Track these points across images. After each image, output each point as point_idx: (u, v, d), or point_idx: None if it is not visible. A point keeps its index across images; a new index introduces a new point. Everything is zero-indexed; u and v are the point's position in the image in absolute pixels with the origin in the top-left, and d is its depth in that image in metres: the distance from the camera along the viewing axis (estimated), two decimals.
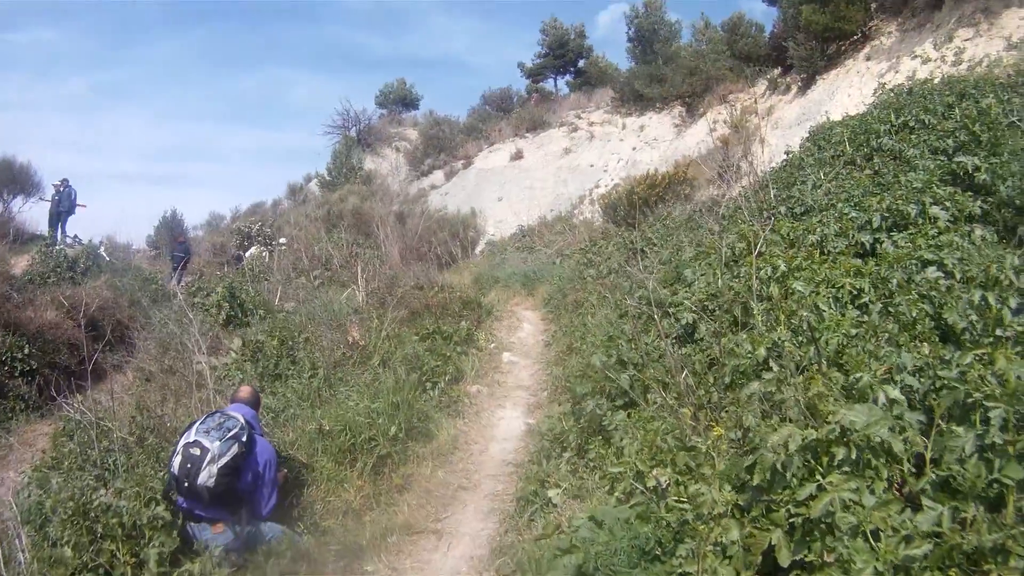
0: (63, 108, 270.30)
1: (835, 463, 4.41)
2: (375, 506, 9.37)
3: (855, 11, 29.45)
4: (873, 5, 29.92)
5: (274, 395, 11.83)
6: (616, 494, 6.41)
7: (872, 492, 4.25)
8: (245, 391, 9.10)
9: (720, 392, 7.54)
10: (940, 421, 4.64)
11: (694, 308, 9.80)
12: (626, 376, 9.17)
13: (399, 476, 10.10)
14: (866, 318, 7.44)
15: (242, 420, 8.04)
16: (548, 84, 70.74)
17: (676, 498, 5.21)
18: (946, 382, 4.98)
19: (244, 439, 7.85)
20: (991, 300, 6.49)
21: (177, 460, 7.62)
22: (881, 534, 4.05)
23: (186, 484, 7.52)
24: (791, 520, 4.40)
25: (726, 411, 7.09)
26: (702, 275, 11.15)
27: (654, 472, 5.68)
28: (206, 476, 7.48)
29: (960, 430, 4.52)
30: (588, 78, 64.07)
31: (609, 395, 9.33)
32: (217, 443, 7.61)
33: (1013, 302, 6.42)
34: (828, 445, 4.43)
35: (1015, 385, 4.50)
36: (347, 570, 8.04)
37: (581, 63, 67.97)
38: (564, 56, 67.67)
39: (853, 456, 4.38)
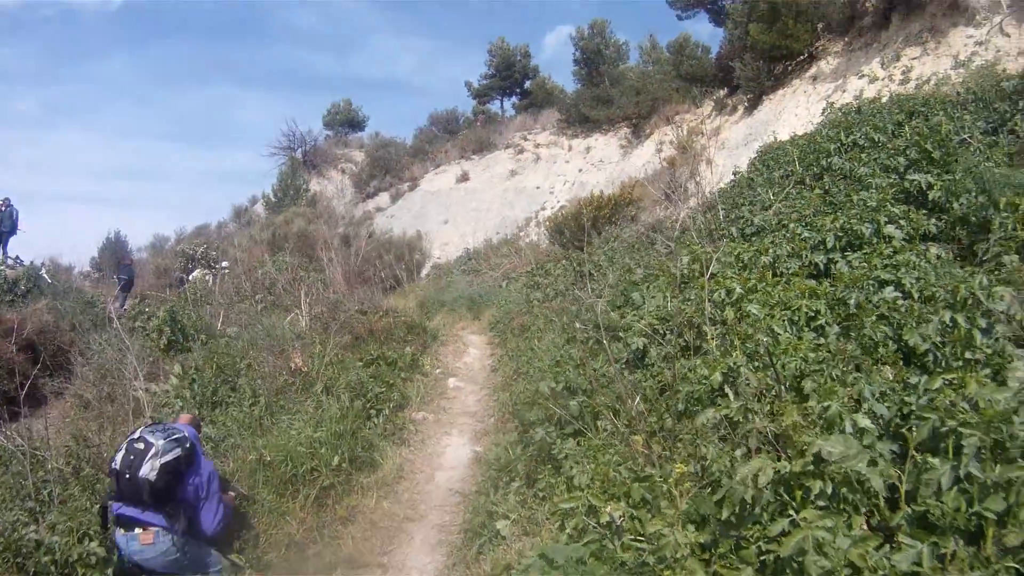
0: (11, 125, 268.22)
1: (811, 497, 4.19)
2: (318, 539, 9.07)
3: (802, 30, 29.64)
4: (820, 25, 30.08)
5: (213, 424, 11.43)
6: (568, 530, 6.14)
7: (849, 528, 4.03)
8: (185, 418, 8.80)
9: (674, 419, 7.29)
10: (915, 452, 4.39)
11: (644, 332, 9.55)
12: (575, 403, 8.92)
13: (343, 508, 9.77)
14: (823, 340, 7.27)
15: (186, 432, 7.84)
16: (495, 106, 71.15)
17: (633, 536, 4.94)
18: (915, 409, 4.79)
19: (188, 446, 7.66)
20: (960, 321, 6.28)
21: (120, 455, 7.40)
22: (860, 573, 3.83)
23: (127, 476, 7.27)
24: (762, 558, 4.16)
25: (680, 439, 6.86)
26: (652, 298, 10.93)
27: (608, 508, 5.41)
28: (148, 469, 7.26)
29: (936, 461, 4.29)
30: (534, 100, 64.40)
31: (558, 422, 9.08)
32: (162, 441, 7.44)
33: (983, 323, 6.22)
34: (803, 478, 4.19)
35: (991, 412, 4.26)
36: None
37: (528, 84, 68.32)
38: (511, 77, 67.92)
39: (829, 491, 4.16)
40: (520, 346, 15.71)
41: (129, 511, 7.32)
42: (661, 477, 5.46)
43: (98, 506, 7.53)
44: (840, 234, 10.31)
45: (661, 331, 9.54)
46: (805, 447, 4.23)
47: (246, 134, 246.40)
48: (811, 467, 4.15)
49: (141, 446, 7.38)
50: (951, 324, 6.38)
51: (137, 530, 7.31)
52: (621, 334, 10.11)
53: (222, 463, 9.81)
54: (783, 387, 5.90)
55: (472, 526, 8.63)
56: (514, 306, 20.78)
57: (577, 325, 12.25)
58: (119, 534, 7.36)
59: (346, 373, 13.66)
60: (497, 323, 20.63)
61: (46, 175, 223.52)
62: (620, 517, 5.26)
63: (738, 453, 5.27)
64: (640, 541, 4.82)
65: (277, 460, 9.96)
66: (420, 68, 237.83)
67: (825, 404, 4.91)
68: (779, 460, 4.24)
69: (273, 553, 8.59)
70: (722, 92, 36.92)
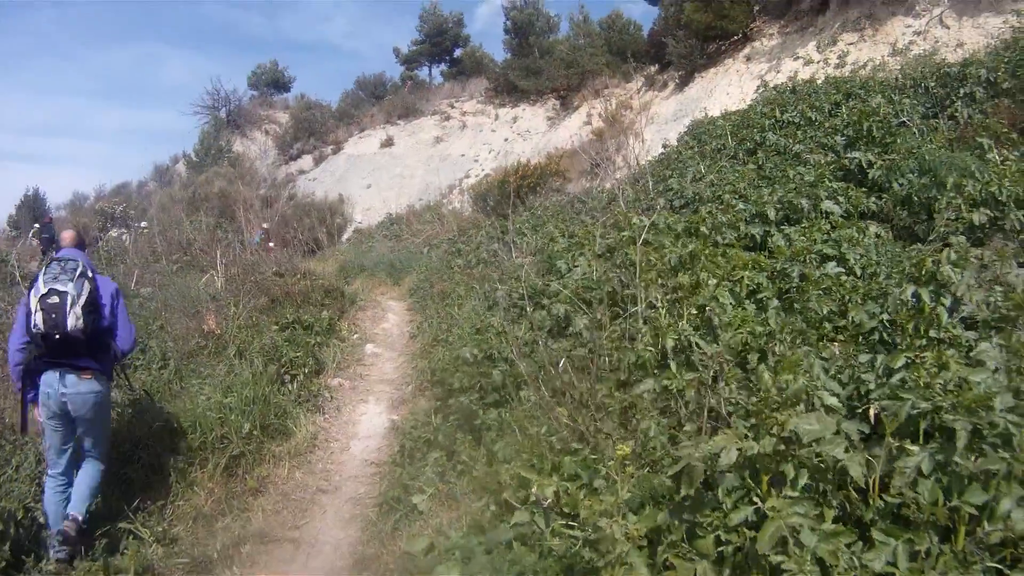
0: None
1: (786, 483, 3.81)
2: (227, 511, 8.62)
3: (739, 11, 29.93)
4: (756, 7, 30.23)
5: (119, 387, 11.01)
6: (492, 507, 5.81)
7: (820, 520, 3.67)
8: (68, 235, 8.36)
9: (605, 390, 6.95)
10: (892, 438, 4.03)
11: (569, 299, 9.24)
12: (498, 372, 8.71)
13: (253, 478, 9.37)
14: (764, 314, 7.06)
15: (80, 260, 7.69)
16: (423, 73, 71.00)
17: (564, 520, 4.57)
18: (878, 389, 4.50)
19: (90, 275, 7.64)
20: (925, 297, 5.98)
21: (39, 316, 7.25)
22: (833, 572, 3.50)
23: (56, 336, 7.28)
24: (720, 549, 3.80)
25: (610, 411, 6.53)
26: (576, 266, 10.64)
27: (534, 489, 5.04)
28: (73, 319, 7.28)
29: (915, 448, 3.96)
30: (463, 68, 64.35)
31: (480, 391, 8.87)
32: (70, 284, 7.37)
33: (947, 301, 5.93)
34: (773, 461, 3.81)
35: (971, 397, 3.93)
36: None
37: (457, 52, 68.23)
38: (441, 44, 67.81)
39: (803, 478, 3.81)
40: (440, 313, 15.47)
41: (65, 362, 7.38)
42: (594, 454, 5.13)
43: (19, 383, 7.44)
44: (777, 207, 10.17)
45: (587, 299, 9.22)
46: (779, 424, 3.82)
47: (171, 93, 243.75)
48: (782, 448, 3.75)
49: (56, 299, 7.28)
50: (915, 300, 6.08)
51: (72, 374, 7.40)
52: (545, 301, 9.80)
53: (127, 430, 9.36)
54: (729, 360, 5.58)
55: (387, 499, 8.32)
56: (435, 272, 20.66)
57: (499, 291, 11.98)
58: (49, 376, 7.33)
59: (260, 336, 13.29)
60: (417, 289, 20.54)
61: None
62: (547, 498, 4.90)
63: (687, 428, 4.94)
64: (572, 527, 4.45)
65: (185, 426, 9.56)
66: (350, 32, 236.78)
67: (786, 378, 4.53)
68: (746, 439, 3.84)
69: (180, 526, 8.15)
70: (653, 68, 37.07)
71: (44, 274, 7.47)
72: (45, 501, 7.32)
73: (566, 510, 4.63)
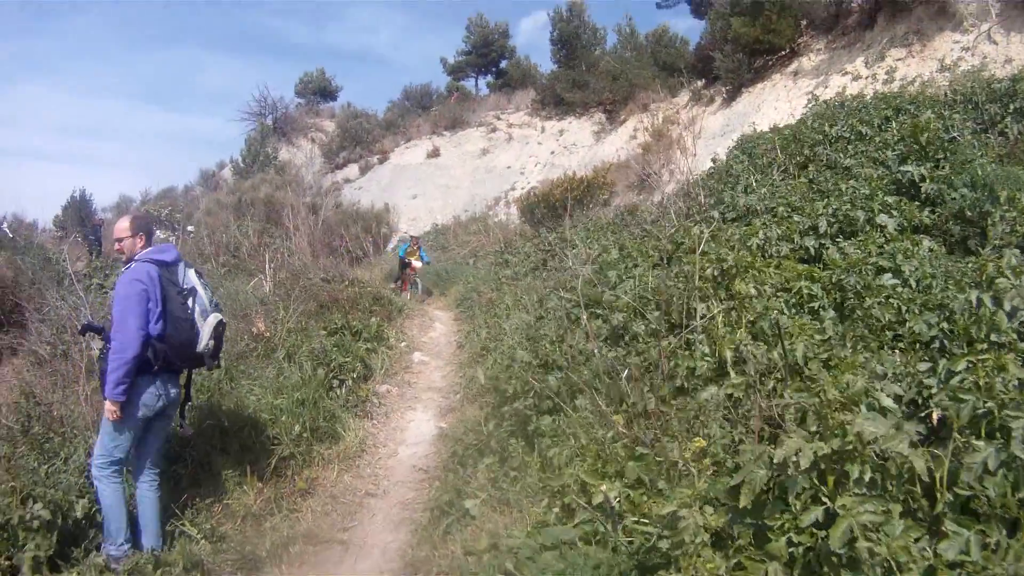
0: None
1: (849, 483, 3.80)
2: (276, 511, 8.68)
3: (786, 26, 29.82)
4: (804, 22, 30.16)
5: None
6: (555, 510, 5.79)
7: (889, 516, 3.67)
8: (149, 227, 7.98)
9: (659, 400, 6.94)
10: (958, 435, 4.06)
11: (627, 308, 9.27)
12: (553, 378, 8.63)
13: (302, 479, 9.42)
14: (819, 324, 7.06)
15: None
16: (469, 83, 71.22)
17: (635, 518, 4.57)
18: (939, 391, 4.50)
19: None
20: (987, 301, 5.98)
21: (206, 334, 7.62)
22: (906, 567, 3.51)
23: (210, 356, 7.76)
24: (791, 551, 3.81)
25: (670, 420, 6.52)
26: (629, 277, 10.69)
27: (603, 487, 5.04)
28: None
29: (982, 444, 4.01)
30: (509, 80, 64.35)
31: (535, 397, 8.77)
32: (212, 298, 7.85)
33: (1008, 305, 5.92)
34: (841, 461, 3.81)
35: None
36: None
37: (503, 64, 68.23)
38: (487, 55, 67.91)
39: (867, 476, 3.78)
40: (487, 323, 15.56)
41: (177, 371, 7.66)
42: (659, 457, 5.12)
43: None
44: (832, 220, 10.18)
45: (643, 309, 9.21)
46: (845, 425, 3.83)
47: (216, 99, 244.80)
48: (848, 448, 3.75)
49: (222, 326, 7.87)
50: (975, 305, 6.07)
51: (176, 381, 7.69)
52: (600, 311, 9.75)
53: (177, 429, 9.45)
54: (789, 367, 5.57)
55: (439, 504, 8.26)
56: (482, 283, 20.77)
57: (554, 300, 12.02)
58: (165, 379, 7.41)
59: (309, 341, 13.36)
60: (464, 299, 20.68)
61: (10, 129, 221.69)
62: (615, 498, 4.91)
63: (752, 429, 4.94)
64: (644, 524, 4.44)
65: (237, 427, 9.63)
66: (396, 42, 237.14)
67: (847, 379, 4.54)
68: (813, 440, 3.85)
69: (229, 524, 8.19)
70: (700, 83, 36.96)
71: (200, 282, 7.77)
72: (113, 499, 7.19)
73: (632, 512, 4.64)
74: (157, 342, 7.14)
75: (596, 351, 8.58)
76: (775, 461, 3.81)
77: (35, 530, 6.50)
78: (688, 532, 3.94)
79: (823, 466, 3.77)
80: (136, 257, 7.33)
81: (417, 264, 25.15)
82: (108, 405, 6.89)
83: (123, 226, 7.49)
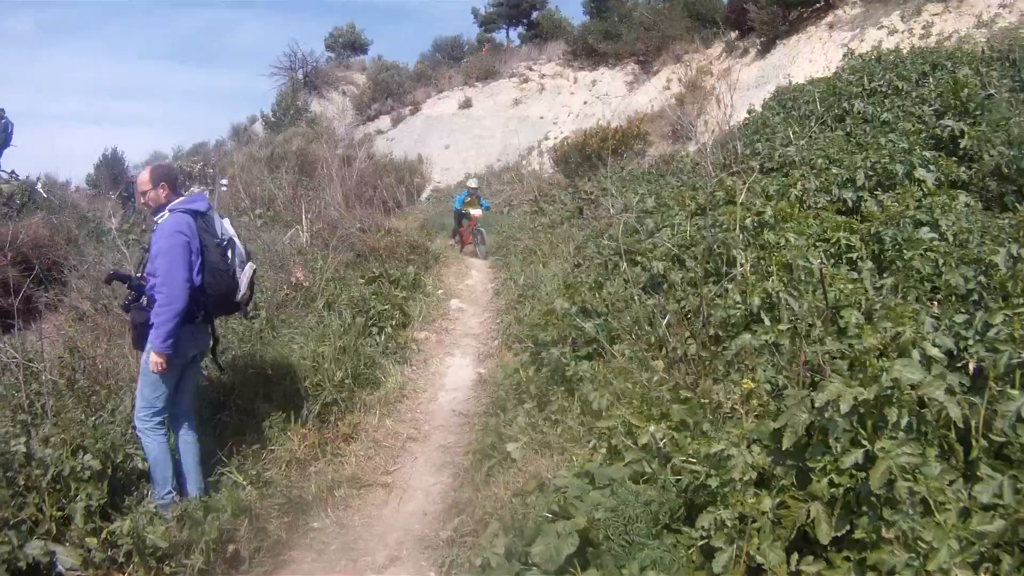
0: (8, 45, 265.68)
1: (888, 426, 3.95)
2: (320, 456, 8.87)
3: None
4: None
5: (212, 335, 11.30)
6: (602, 451, 5.92)
7: (925, 459, 3.80)
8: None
9: (698, 346, 7.07)
10: (993, 383, 4.18)
11: (666, 256, 9.39)
12: (592, 324, 8.70)
13: (346, 425, 9.60)
14: (857, 275, 7.12)
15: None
16: (500, 35, 70.81)
17: (684, 459, 4.70)
18: (977, 343, 4.60)
19: None
20: None
21: (245, 282, 7.77)
22: (942, 507, 3.66)
23: (245, 304, 8.02)
24: (831, 491, 3.94)
25: (705, 366, 6.64)
26: (665, 225, 10.81)
27: (651, 428, 5.17)
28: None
29: (1015, 393, 4.12)
30: (540, 31, 63.94)
31: (573, 343, 8.90)
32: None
33: None
34: (879, 406, 3.95)
35: None
36: (292, 526, 7.56)
37: (535, 15, 67.68)
38: (519, 6, 67.56)
39: (904, 420, 3.93)
40: (524, 270, 15.68)
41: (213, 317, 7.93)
42: (703, 399, 5.25)
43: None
44: (870, 173, 10.20)
45: (681, 257, 9.33)
46: (882, 371, 3.96)
47: (246, 56, 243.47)
48: (888, 393, 3.89)
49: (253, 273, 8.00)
50: (1013, 259, 6.18)
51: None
52: (639, 258, 9.84)
53: (221, 376, 9.63)
54: (825, 315, 5.68)
55: (481, 447, 8.45)
56: (518, 231, 20.98)
57: (592, 246, 12.16)
58: (202, 326, 7.68)
59: (348, 290, 13.57)
60: (500, 247, 21.06)
61: (42, 94, 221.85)
62: (662, 439, 5.04)
63: (797, 376, 5.06)
64: (691, 463, 4.57)
65: (279, 374, 9.80)
66: None
67: (898, 329, 4.66)
68: (853, 385, 3.98)
69: (274, 469, 8.35)
70: (733, 35, 36.77)
71: (234, 230, 7.86)
72: (159, 450, 7.35)
73: (677, 453, 4.77)
74: (199, 293, 7.31)
75: (636, 298, 8.70)
76: (816, 405, 3.95)
77: (86, 480, 6.64)
78: (737, 470, 4.07)
79: (863, 411, 3.90)
80: (169, 207, 7.40)
81: (476, 212, 23.98)
82: (154, 357, 7.01)
83: (144, 178, 7.57)
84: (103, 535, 6.33)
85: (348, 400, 10.03)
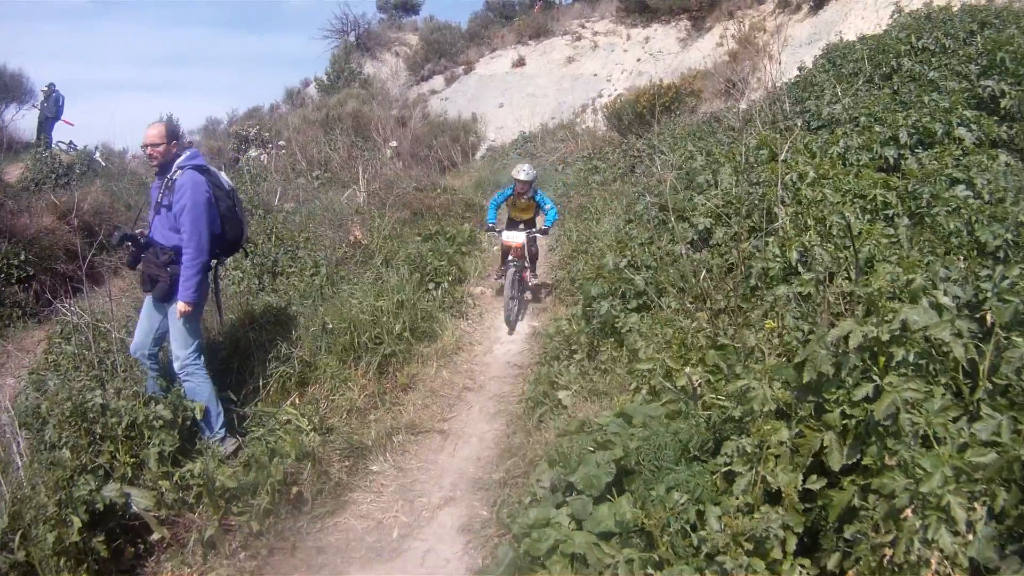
0: (60, 18, 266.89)
1: (892, 364, 4.25)
2: (380, 405, 9.29)
3: None
4: None
5: (275, 292, 11.70)
6: (643, 392, 6.24)
7: (932, 398, 4.06)
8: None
9: (738, 298, 7.38)
10: (999, 330, 4.44)
11: (711, 212, 9.66)
12: (640, 278, 9.00)
13: (403, 376, 10.02)
14: (893, 231, 7.33)
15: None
16: None
17: (713, 396, 5.04)
18: (994, 294, 4.85)
19: None
20: None
21: (246, 227, 8.65)
22: (943, 439, 3.91)
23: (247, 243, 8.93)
24: (844, 422, 4.24)
25: (745, 316, 6.95)
26: (711, 183, 11.06)
27: (687, 370, 5.50)
28: None
29: (1021, 341, 4.36)
30: None
31: (622, 297, 9.14)
32: None
33: None
34: (887, 344, 4.25)
35: None
36: (352, 469, 7.98)
37: None
38: None
39: (911, 358, 4.22)
40: (578, 227, 15.87)
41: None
42: (738, 344, 5.55)
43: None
44: (912, 131, 10.33)
45: (727, 213, 9.58)
46: (892, 313, 4.28)
47: (298, 21, 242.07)
48: (896, 333, 4.21)
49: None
50: None
51: None
52: (686, 215, 10.13)
53: (284, 331, 10.05)
54: (856, 267, 5.96)
55: (534, 395, 8.77)
56: (572, 188, 20.91)
57: (640, 205, 12.39)
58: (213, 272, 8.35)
59: (405, 247, 13.96)
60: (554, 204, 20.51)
61: (95, 65, 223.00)
62: (697, 380, 5.36)
63: (819, 320, 5.35)
64: (720, 400, 4.90)
65: (340, 328, 10.15)
66: None
67: (909, 277, 4.96)
68: (865, 324, 4.30)
69: (335, 417, 8.79)
70: None
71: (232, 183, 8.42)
72: (209, 386, 7.93)
73: (710, 393, 5.10)
74: (217, 242, 8.00)
75: (683, 253, 8.99)
76: (828, 340, 4.27)
77: (159, 429, 7.07)
78: (756, 401, 4.39)
79: (875, 349, 4.22)
80: (178, 164, 7.92)
81: (516, 239, 13.03)
82: (182, 307, 7.62)
83: (159, 133, 7.98)
84: (175, 478, 6.76)
85: (406, 352, 10.42)
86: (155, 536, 6.43)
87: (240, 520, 6.73)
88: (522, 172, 13.60)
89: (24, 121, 36.03)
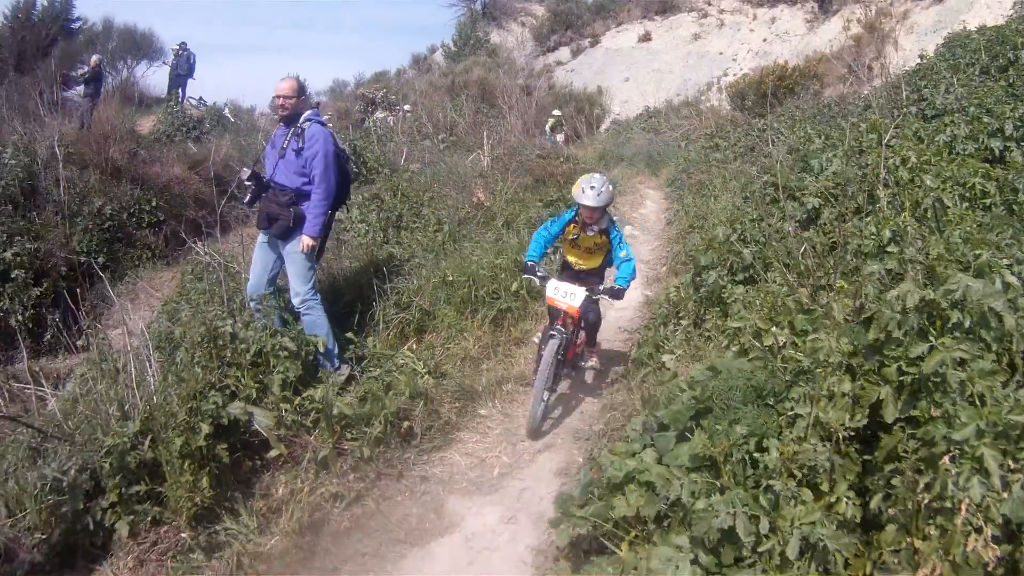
0: None
1: (948, 327, 4.60)
2: (492, 356, 9.86)
3: None
4: None
5: (399, 244, 12.39)
6: (733, 350, 6.66)
7: (981, 360, 4.38)
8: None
9: (836, 275, 7.72)
10: None
11: (820, 193, 10.01)
12: (748, 251, 9.30)
13: (517, 330, 10.59)
14: (986, 218, 7.57)
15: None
16: None
17: (793, 352, 5.46)
18: None
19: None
20: None
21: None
22: (986, 398, 4.20)
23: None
24: (900, 379, 4.58)
25: (842, 292, 7.30)
26: (829, 165, 11.22)
27: (773, 330, 5.95)
28: None
29: None
30: None
31: (730, 269, 9.46)
32: None
33: None
34: (943, 308, 4.61)
35: None
36: (462, 411, 8.58)
37: None
38: None
39: (966, 323, 4.56)
40: (696, 202, 16.19)
41: None
42: (823, 309, 5.94)
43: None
44: (1019, 123, 10.51)
45: (835, 194, 9.91)
46: (949, 280, 4.65)
47: None
48: (952, 297, 4.57)
49: None
50: None
51: None
52: (797, 194, 10.45)
53: (406, 281, 10.76)
54: (946, 242, 6.30)
55: (638, 356, 9.14)
56: (692, 165, 21.06)
57: (754, 184, 12.74)
58: None
59: (526, 211, 14.50)
60: (674, 180, 21.04)
61: (223, 26, 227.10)
62: (783, 340, 5.79)
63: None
64: (797, 355, 5.33)
65: (460, 281, 10.72)
66: None
67: (977, 252, 5.35)
68: (925, 287, 4.69)
69: (450, 364, 9.36)
70: None
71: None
72: (326, 321, 8.72)
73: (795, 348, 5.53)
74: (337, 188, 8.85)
75: (790, 231, 9.36)
76: (888, 299, 4.70)
77: (283, 358, 7.70)
78: (822, 351, 4.81)
79: (933, 312, 4.63)
80: (306, 117, 8.82)
81: (569, 303, 8.56)
82: (307, 240, 8.50)
83: (292, 87, 8.90)
84: (295, 402, 7.47)
85: (521, 309, 11.02)
86: (273, 453, 7.04)
87: (352, 445, 7.33)
88: (589, 191, 8.62)
89: (154, 77, 37.23)
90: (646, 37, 49.87)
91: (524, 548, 6.33)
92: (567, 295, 8.47)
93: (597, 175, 9.05)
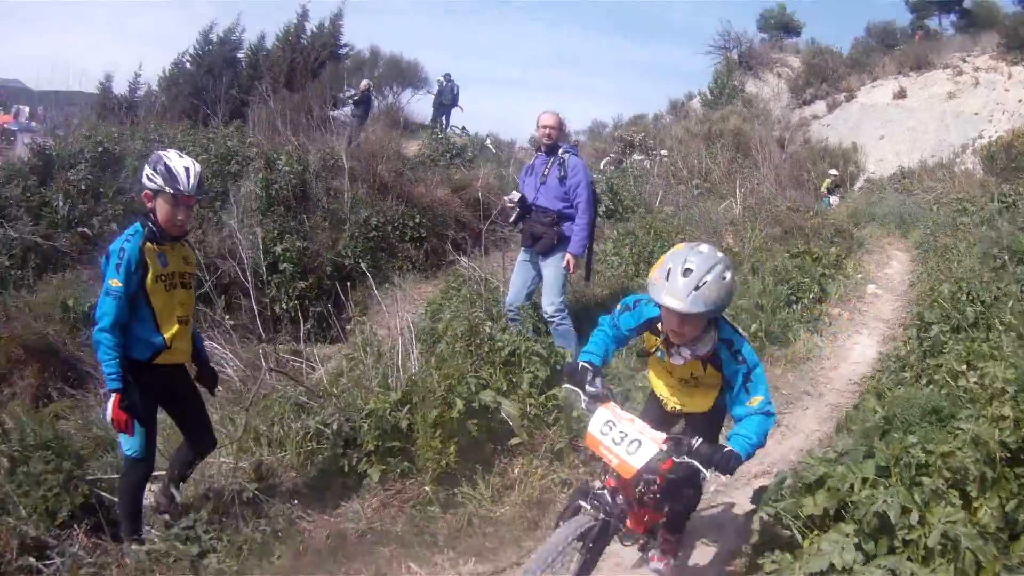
0: (456, 17, 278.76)
1: None
2: None
3: None
4: None
5: (646, 276, 13.19)
6: (930, 387, 7.32)
7: None
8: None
9: None
10: None
11: None
12: (971, 310, 9.83)
13: None
14: None
15: None
16: (932, 22, 68.14)
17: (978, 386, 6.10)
18: None
19: None
20: None
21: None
22: None
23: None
24: None
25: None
26: None
27: (968, 372, 6.60)
28: None
29: None
30: (974, 20, 61.16)
31: (954, 327, 9.93)
32: None
33: None
34: None
35: None
36: None
37: (967, 2, 65.12)
38: None
39: None
40: (939, 265, 16.20)
41: None
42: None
43: None
44: None
45: None
46: None
47: (680, 33, 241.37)
48: None
49: None
50: None
51: None
52: None
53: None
54: None
55: (859, 402, 9.48)
56: (940, 228, 21.00)
57: (982, 247, 13.26)
58: None
59: (772, 259, 15.13)
60: (922, 242, 20.88)
61: (488, 60, 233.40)
62: (974, 381, 6.34)
63: None
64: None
65: None
66: None
67: None
68: None
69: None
70: None
71: None
72: (574, 334, 9.83)
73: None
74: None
75: (1018, 293, 9.85)
76: None
77: (534, 361, 8.79)
78: (988, 377, 5.49)
79: None
80: (567, 150, 10.09)
81: (623, 458, 4.74)
82: (571, 258, 9.74)
83: (557, 121, 10.25)
84: (541, 399, 8.47)
85: (759, 351, 11.28)
86: (515, 440, 8.03)
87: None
88: (680, 279, 4.62)
89: (418, 105, 39.49)
90: (901, 94, 49.06)
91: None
92: (625, 441, 4.83)
93: (703, 247, 4.97)
